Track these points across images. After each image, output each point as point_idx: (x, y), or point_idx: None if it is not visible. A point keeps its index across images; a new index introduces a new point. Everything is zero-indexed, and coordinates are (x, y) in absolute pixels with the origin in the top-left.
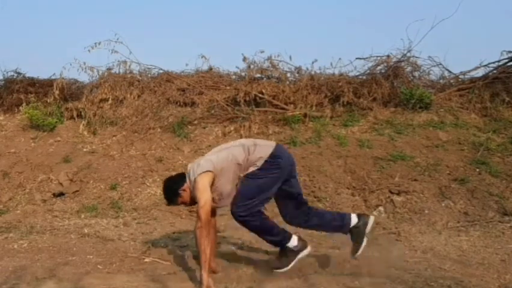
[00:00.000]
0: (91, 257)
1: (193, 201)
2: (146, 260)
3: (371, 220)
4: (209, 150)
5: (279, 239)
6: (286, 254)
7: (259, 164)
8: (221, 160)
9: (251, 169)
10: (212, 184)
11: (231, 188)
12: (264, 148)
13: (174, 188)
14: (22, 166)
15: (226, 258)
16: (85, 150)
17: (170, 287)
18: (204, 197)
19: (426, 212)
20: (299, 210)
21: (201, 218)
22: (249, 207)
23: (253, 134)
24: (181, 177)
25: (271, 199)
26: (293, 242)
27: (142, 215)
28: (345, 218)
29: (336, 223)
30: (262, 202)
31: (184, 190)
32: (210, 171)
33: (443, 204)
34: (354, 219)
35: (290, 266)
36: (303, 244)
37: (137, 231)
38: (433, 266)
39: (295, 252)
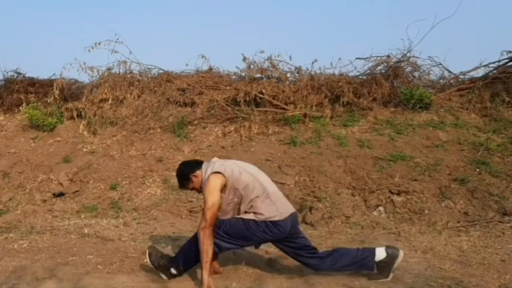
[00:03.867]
0: (91, 257)
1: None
2: (146, 260)
3: (401, 255)
4: (209, 150)
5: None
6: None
7: (257, 218)
8: (241, 180)
9: (249, 215)
10: (222, 189)
11: (230, 209)
12: (272, 208)
13: (186, 172)
14: (22, 166)
15: (226, 258)
16: (85, 150)
17: (171, 287)
18: (212, 198)
19: (426, 212)
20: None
21: (206, 218)
22: (226, 243)
23: (253, 134)
24: (196, 163)
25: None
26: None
27: (142, 215)
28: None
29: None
30: (235, 245)
31: (195, 176)
32: (224, 176)
33: (443, 204)
34: (381, 254)
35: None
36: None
37: (137, 231)
38: (433, 266)
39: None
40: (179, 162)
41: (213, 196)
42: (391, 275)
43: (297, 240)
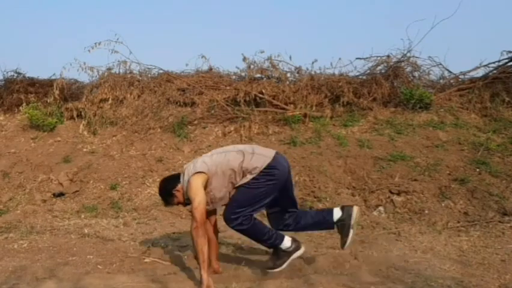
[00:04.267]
0: (91, 257)
1: (188, 201)
2: (146, 260)
3: (355, 210)
4: (209, 150)
5: (271, 241)
6: (278, 254)
7: (255, 173)
8: (215, 163)
9: (246, 178)
10: (205, 186)
11: (224, 192)
12: (261, 158)
13: (168, 189)
14: (22, 166)
15: (226, 258)
16: (85, 150)
17: (171, 287)
18: (198, 198)
19: (426, 212)
20: (288, 214)
21: (196, 218)
22: (240, 215)
23: (253, 134)
24: (175, 178)
25: (264, 208)
26: (286, 243)
27: (142, 215)
28: (328, 213)
29: (319, 220)
30: (255, 210)
31: (177, 190)
32: (203, 172)
33: (443, 204)
34: (337, 213)
35: (284, 266)
36: (296, 245)
37: (137, 231)
38: (433, 266)
39: (289, 253)
40: (160, 179)
41: (198, 196)
42: (351, 232)
43: (291, 184)
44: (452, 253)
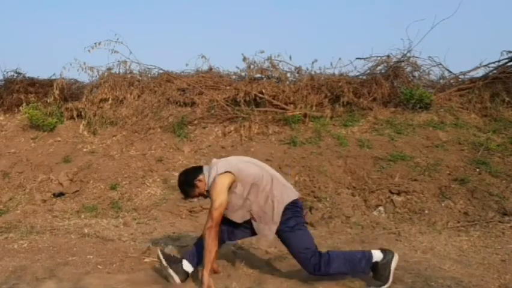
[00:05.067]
0: (91, 257)
1: (208, 194)
2: (146, 260)
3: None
4: (209, 150)
5: (364, 262)
6: (378, 270)
7: (282, 206)
8: (249, 174)
9: (274, 205)
10: (229, 189)
11: (241, 204)
12: (287, 190)
13: (190, 179)
14: (22, 166)
15: (226, 258)
16: (85, 150)
17: (171, 287)
18: (220, 198)
19: (426, 212)
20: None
21: (213, 218)
22: (312, 255)
23: (253, 134)
24: (197, 169)
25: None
26: (377, 255)
27: (142, 215)
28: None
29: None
30: (312, 243)
31: (200, 180)
32: (232, 173)
33: (443, 204)
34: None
35: (391, 278)
36: (388, 252)
37: (137, 231)
38: (433, 266)
39: (387, 263)
40: (179, 172)
41: (221, 196)
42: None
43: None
44: (452, 253)
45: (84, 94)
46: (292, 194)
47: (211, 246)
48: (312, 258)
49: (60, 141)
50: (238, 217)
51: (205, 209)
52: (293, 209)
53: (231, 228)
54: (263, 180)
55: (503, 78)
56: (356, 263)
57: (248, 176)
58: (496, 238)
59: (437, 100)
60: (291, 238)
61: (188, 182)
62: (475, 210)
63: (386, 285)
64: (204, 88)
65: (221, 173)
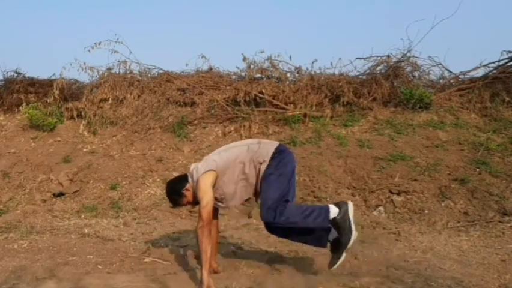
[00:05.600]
0: (91, 257)
1: (197, 201)
2: (146, 260)
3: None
4: (209, 150)
5: (322, 216)
6: (339, 225)
7: (267, 159)
8: (224, 160)
9: (259, 167)
10: (214, 184)
11: (234, 188)
12: (267, 145)
13: (177, 189)
14: (22, 166)
15: (226, 258)
16: (85, 150)
17: (170, 287)
18: (206, 197)
19: (426, 212)
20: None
21: (203, 217)
22: (274, 207)
23: (253, 134)
24: (183, 178)
25: (293, 195)
26: (334, 210)
27: (142, 215)
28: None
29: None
30: (285, 196)
31: (187, 190)
32: (212, 170)
33: (443, 204)
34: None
35: (353, 226)
36: (341, 204)
37: (137, 231)
38: (433, 266)
39: (344, 214)
40: (167, 181)
41: (207, 195)
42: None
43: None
44: (452, 253)
45: (84, 94)
46: (270, 148)
47: (205, 244)
48: (274, 207)
49: (60, 141)
50: (237, 201)
51: None
52: (276, 159)
53: None
54: (242, 156)
55: (503, 78)
56: (312, 216)
57: (227, 163)
58: (496, 238)
59: (437, 100)
60: (263, 184)
61: (177, 191)
62: (475, 210)
63: (353, 236)
64: (204, 88)
65: (202, 174)
